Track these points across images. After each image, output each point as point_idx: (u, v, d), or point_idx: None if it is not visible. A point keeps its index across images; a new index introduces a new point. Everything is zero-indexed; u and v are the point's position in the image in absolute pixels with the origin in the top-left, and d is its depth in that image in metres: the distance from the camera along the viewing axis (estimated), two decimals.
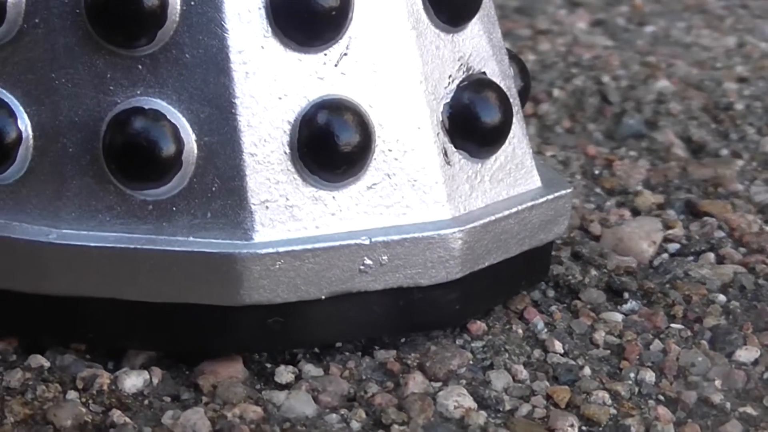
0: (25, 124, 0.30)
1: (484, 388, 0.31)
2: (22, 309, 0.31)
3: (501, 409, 0.30)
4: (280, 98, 0.30)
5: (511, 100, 0.33)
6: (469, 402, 0.30)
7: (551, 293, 0.35)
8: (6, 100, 0.30)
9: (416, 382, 0.31)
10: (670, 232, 0.38)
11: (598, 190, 0.41)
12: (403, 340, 0.32)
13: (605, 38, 0.54)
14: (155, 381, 0.30)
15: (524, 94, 0.35)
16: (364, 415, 0.29)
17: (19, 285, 0.30)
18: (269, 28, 0.30)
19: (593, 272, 0.36)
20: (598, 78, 0.49)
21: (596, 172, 0.42)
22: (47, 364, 0.31)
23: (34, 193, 0.30)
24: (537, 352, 0.32)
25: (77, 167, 0.30)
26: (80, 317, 0.31)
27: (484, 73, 0.33)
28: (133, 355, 0.31)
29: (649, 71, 0.50)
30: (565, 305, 0.35)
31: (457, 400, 0.30)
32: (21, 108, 0.30)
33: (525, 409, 0.30)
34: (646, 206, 0.40)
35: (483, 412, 0.30)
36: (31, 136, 0.30)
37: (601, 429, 0.30)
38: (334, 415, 0.29)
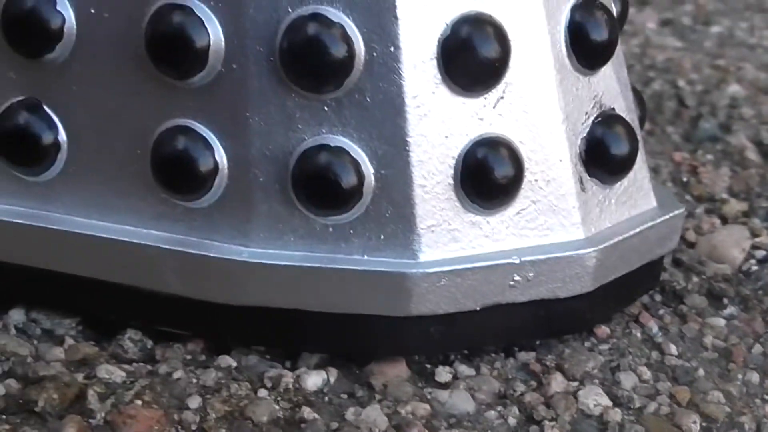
0: (221, 155, 0.35)
1: (616, 387, 0.36)
2: (212, 316, 0.36)
3: (632, 406, 0.36)
4: (446, 137, 0.35)
5: (636, 133, 0.38)
6: (605, 401, 0.36)
7: (658, 297, 0.41)
8: (204, 135, 0.35)
9: (557, 382, 0.36)
10: (757, 239, 0.44)
11: (688, 197, 0.47)
12: (538, 342, 0.38)
13: (674, 39, 0.60)
14: (332, 380, 0.36)
15: (642, 122, 0.40)
16: (517, 412, 0.35)
17: (213, 296, 0.36)
18: (440, 76, 0.35)
19: (694, 279, 0.41)
20: (674, 81, 0.55)
21: (684, 179, 0.48)
22: (234, 364, 0.36)
23: (227, 216, 0.36)
24: (655, 354, 0.38)
25: (266, 195, 0.35)
26: (265, 324, 0.36)
27: (613, 108, 0.38)
28: (307, 356, 0.37)
29: (720, 75, 0.55)
30: (671, 309, 0.40)
31: (596, 398, 0.36)
32: (217, 142, 0.35)
33: (652, 407, 0.36)
34: (733, 214, 0.45)
35: (618, 410, 0.35)
36: (226, 167, 0.35)
37: (719, 425, 0.35)
38: (492, 412, 0.35)
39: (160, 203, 0.36)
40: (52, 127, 0.36)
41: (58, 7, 0.35)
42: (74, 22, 0.35)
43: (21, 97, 0.36)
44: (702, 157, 0.50)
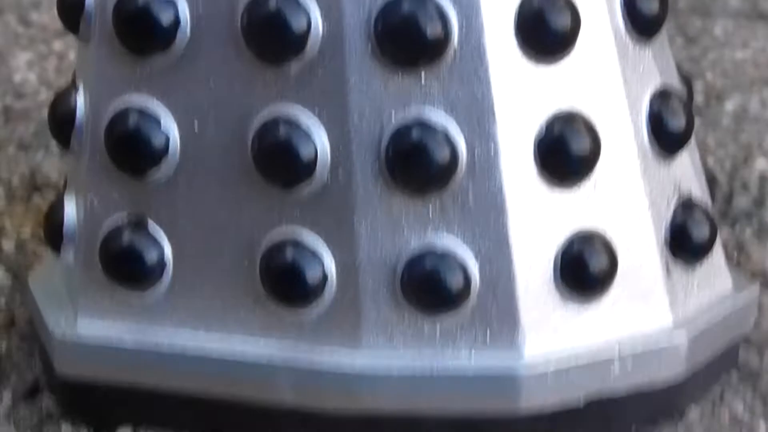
0: (329, 264, 0.38)
1: None
2: (324, 426, 0.38)
3: None
4: (545, 232, 0.38)
5: (713, 216, 0.41)
6: None
7: (734, 375, 0.44)
8: (312, 244, 0.37)
9: None
10: None
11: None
12: (633, 429, 0.41)
13: None
14: None
15: (712, 199, 0.43)
16: None
17: (328, 406, 0.38)
18: (537, 173, 0.38)
19: (767, 356, 0.44)
20: (703, 159, 0.58)
21: (734, 256, 0.51)
22: None
23: (336, 324, 0.38)
24: None
25: (375, 300, 0.38)
26: (375, 430, 0.38)
27: (690, 192, 0.41)
28: None
29: (745, 151, 0.59)
30: (750, 385, 0.43)
31: None
32: (326, 249, 0.37)
33: None
34: None
35: None
36: (334, 275, 0.38)
37: None
38: None
39: (268, 314, 0.38)
40: (158, 244, 0.38)
41: (162, 128, 0.38)
42: (178, 139, 0.38)
43: (125, 216, 0.39)
44: (742, 234, 0.53)
